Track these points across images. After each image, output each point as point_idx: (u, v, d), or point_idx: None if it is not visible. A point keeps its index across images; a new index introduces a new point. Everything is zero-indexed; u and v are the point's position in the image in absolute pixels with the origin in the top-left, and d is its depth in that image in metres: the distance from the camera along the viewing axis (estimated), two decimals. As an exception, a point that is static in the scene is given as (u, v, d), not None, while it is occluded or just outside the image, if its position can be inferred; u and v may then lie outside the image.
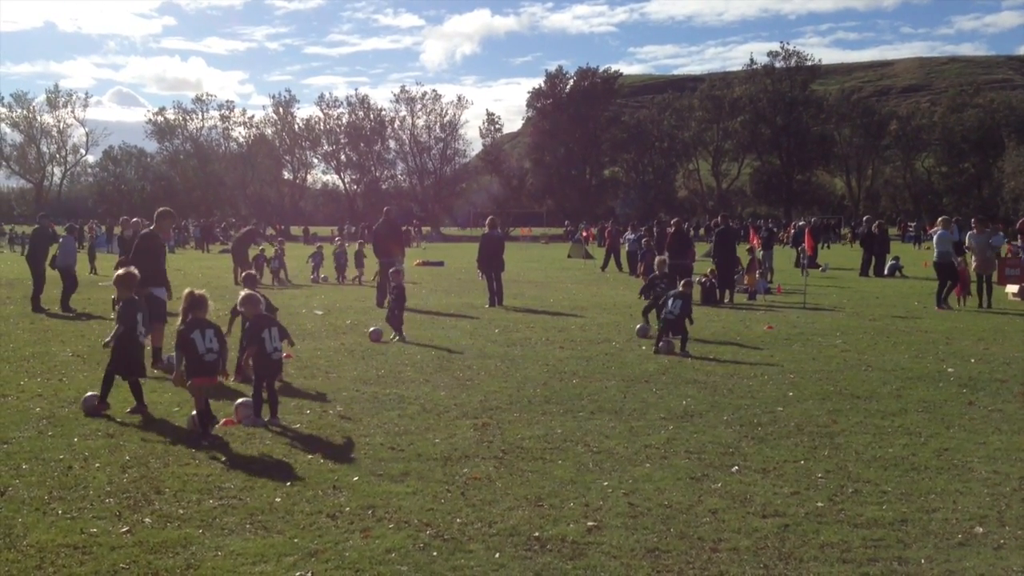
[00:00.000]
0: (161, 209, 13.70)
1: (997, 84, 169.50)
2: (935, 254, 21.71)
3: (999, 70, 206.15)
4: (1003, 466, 7.70)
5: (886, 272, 32.65)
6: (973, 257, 21.82)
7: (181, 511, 6.48)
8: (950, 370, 12.47)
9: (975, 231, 22.01)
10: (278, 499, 6.75)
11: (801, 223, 47.69)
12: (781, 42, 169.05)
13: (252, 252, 30.32)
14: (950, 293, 21.18)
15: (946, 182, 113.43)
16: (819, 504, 6.68)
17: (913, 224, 74.95)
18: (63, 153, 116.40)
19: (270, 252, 30.09)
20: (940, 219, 23.00)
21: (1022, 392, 10.94)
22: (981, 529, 6.16)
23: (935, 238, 22.16)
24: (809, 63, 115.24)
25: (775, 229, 57.45)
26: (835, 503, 6.72)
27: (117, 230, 39.42)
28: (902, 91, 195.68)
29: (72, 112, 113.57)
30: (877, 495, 6.92)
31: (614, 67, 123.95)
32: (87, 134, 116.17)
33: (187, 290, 9.15)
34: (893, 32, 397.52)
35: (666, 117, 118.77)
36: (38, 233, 21.27)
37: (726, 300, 22.43)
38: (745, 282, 24.26)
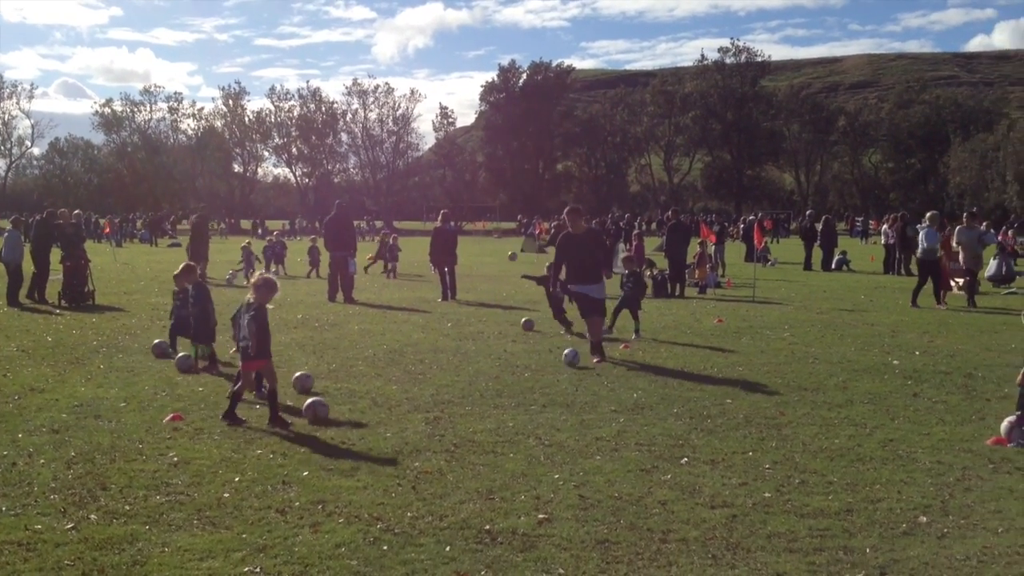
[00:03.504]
0: (570, 207, 14.16)
1: (943, 81, 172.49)
2: (919, 250, 21.04)
3: (945, 67, 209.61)
4: (947, 456, 7.83)
5: (834, 266, 33.13)
6: (960, 252, 21.35)
7: (127, 507, 6.39)
8: (895, 362, 12.66)
9: (964, 226, 21.43)
10: (226, 494, 6.69)
11: (751, 218, 48.20)
12: (731, 38, 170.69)
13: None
14: (932, 290, 20.58)
15: (893, 177, 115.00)
16: (767, 495, 6.76)
17: (860, 219, 75.96)
18: (8, 145, 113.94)
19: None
20: (928, 214, 21.68)
21: (965, 384, 11.15)
22: (925, 519, 6.26)
23: (922, 234, 21.05)
24: (759, 59, 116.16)
25: (726, 224, 58.00)
26: (782, 493, 6.80)
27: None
28: (850, 87, 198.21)
29: (17, 103, 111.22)
30: (823, 485, 7.01)
31: (566, 62, 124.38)
32: (32, 126, 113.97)
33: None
34: (841, 29, 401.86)
35: (618, 112, 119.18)
36: (40, 225, 21.84)
37: (677, 293, 22.62)
38: (696, 276, 24.49)
